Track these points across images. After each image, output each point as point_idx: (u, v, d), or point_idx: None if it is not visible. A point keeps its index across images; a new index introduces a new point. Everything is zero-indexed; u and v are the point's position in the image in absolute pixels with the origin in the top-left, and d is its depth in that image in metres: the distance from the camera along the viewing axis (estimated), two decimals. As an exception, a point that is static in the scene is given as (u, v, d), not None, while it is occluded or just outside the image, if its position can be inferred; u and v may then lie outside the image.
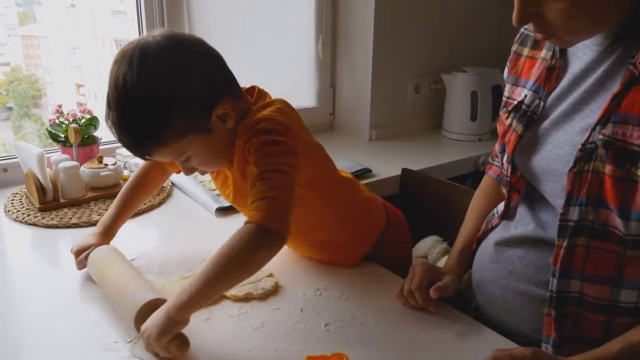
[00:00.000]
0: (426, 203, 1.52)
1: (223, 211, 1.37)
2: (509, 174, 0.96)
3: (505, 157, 0.96)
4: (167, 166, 1.18)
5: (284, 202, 0.90)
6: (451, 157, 1.88)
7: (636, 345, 0.78)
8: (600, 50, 0.84)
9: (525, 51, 0.98)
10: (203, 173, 1.07)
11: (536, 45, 0.96)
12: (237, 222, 1.31)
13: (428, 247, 1.39)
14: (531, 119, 0.92)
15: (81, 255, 1.08)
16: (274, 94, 1.99)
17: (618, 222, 0.79)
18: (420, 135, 2.07)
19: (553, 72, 0.90)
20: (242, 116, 1.01)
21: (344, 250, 1.15)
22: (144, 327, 0.85)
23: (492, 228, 1.04)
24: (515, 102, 0.95)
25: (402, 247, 1.29)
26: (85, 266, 1.07)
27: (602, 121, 0.79)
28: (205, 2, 1.73)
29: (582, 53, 0.86)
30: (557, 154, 0.86)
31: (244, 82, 1.90)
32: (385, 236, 1.20)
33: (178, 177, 1.55)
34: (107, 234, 1.14)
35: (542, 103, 0.91)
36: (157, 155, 0.97)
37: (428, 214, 1.48)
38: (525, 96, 0.93)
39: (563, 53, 0.90)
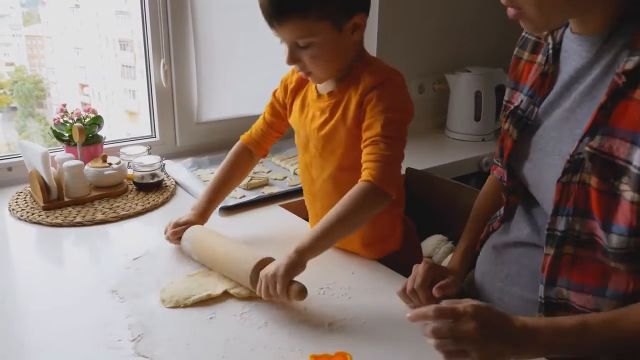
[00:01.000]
0: (430, 203, 1.51)
1: (227, 210, 1.37)
2: (505, 178, 0.97)
3: (501, 162, 0.97)
4: (255, 150, 1.32)
5: (397, 169, 1.06)
6: (455, 157, 1.87)
7: (590, 326, 0.76)
8: (589, 57, 0.83)
9: (525, 55, 0.98)
10: (305, 73, 1.09)
11: (535, 50, 0.96)
12: (240, 222, 1.33)
13: (433, 246, 1.39)
14: (526, 125, 0.92)
15: (177, 229, 1.16)
16: (278, 93, 1.99)
17: (602, 234, 0.78)
18: (424, 135, 2.07)
19: (546, 78, 0.90)
20: (360, 49, 1.11)
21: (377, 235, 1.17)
22: (266, 270, 0.95)
23: (493, 230, 1.04)
24: (512, 107, 0.96)
25: (414, 251, 1.29)
26: (177, 239, 1.16)
27: (590, 132, 0.78)
28: (209, 2, 1.73)
29: (572, 59, 0.86)
30: (547, 162, 0.87)
31: (248, 80, 1.91)
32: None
33: (182, 177, 1.55)
34: (203, 216, 1.21)
35: (536, 109, 0.91)
36: (287, 25, 1.02)
37: (432, 214, 1.48)
38: (522, 101, 0.94)
39: (556, 59, 0.90)
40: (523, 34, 0.99)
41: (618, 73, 0.76)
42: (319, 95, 1.15)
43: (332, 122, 1.11)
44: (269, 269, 0.95)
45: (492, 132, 2.05)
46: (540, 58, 0.93)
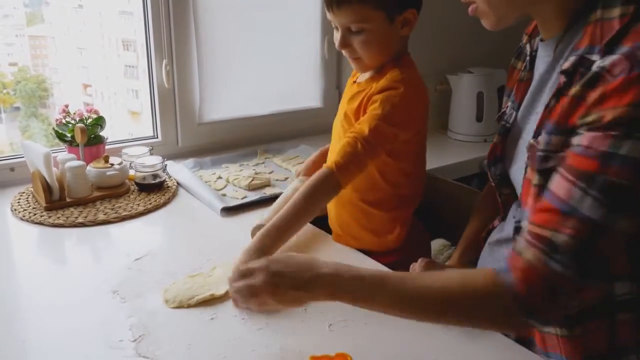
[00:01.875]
0: (432, 203, 1.51)
1: (228, 211, 1.37)
2: (490, 179, 1.00)
3: (486, 166, 1.01)
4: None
5: (359, 170, 1.10)
6: (457, 157, 1.87)
7: (388, 281, 0.80)
8: (550, 61, 0.85)
9: (518, 64, 1.00)
10: (353, 58, 1.16)
11: (521, 57, 0.99)
12: (241, 222, 1.33)
13: (435, 251, 1.39)
14: (507, 129, 0.95)
15: None
16: (280, 94, 2.02)
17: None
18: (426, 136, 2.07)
19: (522, 84, 0.93)
20: (403, 49, 1.18)
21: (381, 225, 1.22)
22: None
23: (493, 228, 1.06)
24: (500, 113, 0.99)
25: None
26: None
27: (537, 132, 0.80)
28: (211, 2, 1.73)
29: (540, 65, 0.88)
30: (517, 165, 0.90)
31: (250, 81, 1.92)
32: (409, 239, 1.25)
33: (184, 177, 1.55)
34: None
35: (515, 114, 0.93)
36: (345, 10, 1.08)
37: (434, 214, 1.48)
38: (507, 106, 0.97)
39: (532, 66, 0.92)
40: (520, 44, 1.00)
41: (559, 73, 0.78)
42: (353, 83, 1.24)
43: (351, 108, 1.19)
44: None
45: (494, 133, 2.05)
46: (520, 65, 0.96)
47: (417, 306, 0.79)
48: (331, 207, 1.29)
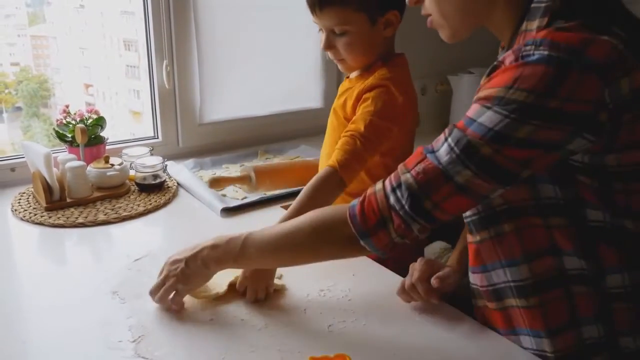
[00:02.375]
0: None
1: (228, 211, 1.37)
2: None
3: None
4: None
5: (361, 166, 1.14)
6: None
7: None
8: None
9: None
10: (338, 60, 1.20)
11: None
12: (242, 223, 1.33)
13: (436, 253, 1.39)
14: None
15: None
16: (280, 94, 2.02)
17: None
18: (427, 136, 2.05)
19: None
20: (389, 48, 1.21)
21: None
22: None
23: None
24: None
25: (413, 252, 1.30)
26: None
27: None
28: (211, 2, 1.73)
29: None
30: None
31: (251, 81, 1.92)
32: None
33: (184, 178, 1.55)
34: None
35: None
36: (327, 12, 1.12)
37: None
38: None
39: None
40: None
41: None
42: (346, 79, 1.29)
43: (339, 105, 1.24)
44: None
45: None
46: None
47: (277, 251, 0.93)
48: None
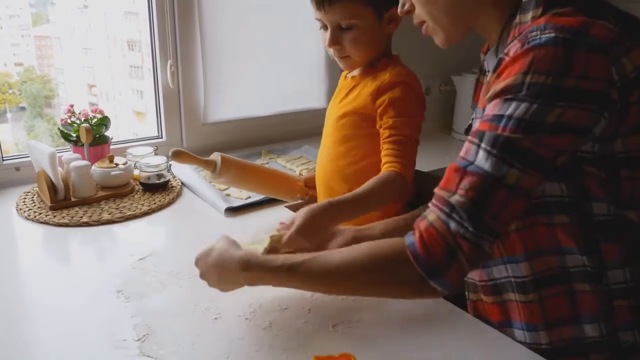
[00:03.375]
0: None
1: (232, 211, 1.37)
2: None
3: None
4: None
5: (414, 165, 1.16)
6: (461, 158, 1.87)
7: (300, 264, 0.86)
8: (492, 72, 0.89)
9: (480, 77, 1.03)
10: (341, 57, 1.18)
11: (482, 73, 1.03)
12: (245, 222, 1.33)
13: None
14: None
15: None
16: (284, 95, 2.02)
17: None
18: (431, 136, 2.06)
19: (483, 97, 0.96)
20: (389, 45, 1.21)
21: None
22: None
23: None
24: (467, 126, 1.01)
25: None
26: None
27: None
28: (216, 2, 1.73)
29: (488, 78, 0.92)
30: None
31: (255, 81, 1.92)
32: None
33: (188, 177, 1.56)
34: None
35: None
36: (337, 7, 1.11)
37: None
38: (473, 119, 0.99)
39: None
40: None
41: (488, 73, 0.86)
42: (345, 78, 1.27)
43: (347, 102, 1.22)
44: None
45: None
46: (483, 79, 1.00)
47: (328, 284, 0.87)
48: (321, 200, 1.29)
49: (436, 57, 2.09)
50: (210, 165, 1.27)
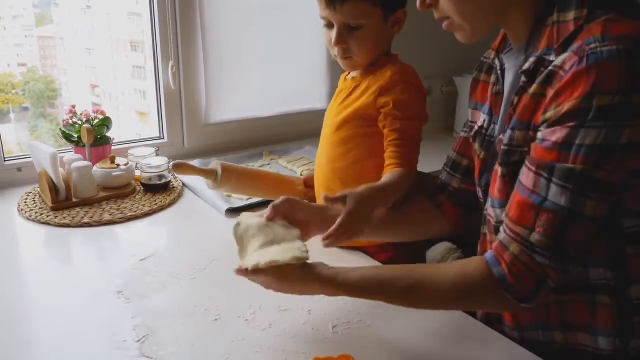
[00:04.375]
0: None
1: (233, 212, 1.37)
2: (481, 197, 1.00)
3: (477, 183, 1.01)
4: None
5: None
6: (463, 159, 1.87)
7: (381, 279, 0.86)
8: (516, 70, 0.87)
9: (482, 77, 1.02)
10: (345, 57, 1.17)
11: (489, 71, 1.00)
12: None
13: (441, 255, 1.38)
14: (490, 142, 0.95)
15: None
16: (286, 96, 2.02)
17: (491, 211, 0.90)
18: (432, 137, 2.05)
19: (498, 97, 0.94)
20: (388, 48, 1.20)
21: None
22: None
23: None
24: (477, 127, 0.99)
25: (415, 254, 1.29)
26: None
27: (505, 130, 0.85)
28: (218, 4, 1.74)
29: (508, 76, 0.90)
30: None
31: (256, 82, 1.92)
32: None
33: (189, 178, 1.56)
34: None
35: (496, 127, 0.94)
36: (347, 6, 1.10)
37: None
38: (485, 121, 0.97)
39: (503, 79, 0.93)
40: (481, 59, 1.05)
41: (519, 73, 0.82)
42: (345, 80, 1.26)
43: (348, 104, 1.20)
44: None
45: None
46: (493, 78, 0.97)
47: (418, 304, 0.88)
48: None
49: (437, 58, 2.09)
50: (212, 175, 1.27)
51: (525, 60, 0.83)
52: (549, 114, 0.74)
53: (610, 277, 0.81)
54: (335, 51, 1.18)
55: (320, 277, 0.86)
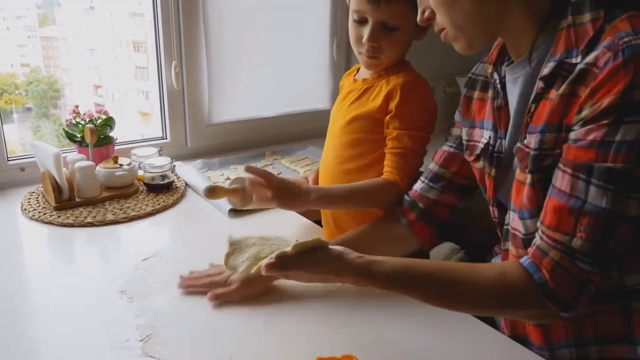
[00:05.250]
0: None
1: (235, 212, 1.37)
2: (496, 215, 0.97)
3: (489, 201, 0.98)
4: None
5: (413, 176, 1.17)
6: (466, 160, 1.87)
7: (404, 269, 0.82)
8: (525, 79, 0.85)
9: (475, 94, 1.01)
10: (372, 55, 1.15)
11: (484, 88, 0.99)
12: (249, 224, 1.33)
13: (444, 255, 1.38)
14: (499, 159, 0.93)
15: None
16: (289, 96, 2.02)
17: (518, 224, 0.84)
18: (435, 138, 2.05)
19: (501, 111, 0.92)
20: (405, 54, 1.20)
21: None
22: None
23: (496, 254, 1.06)
24: (482, 145, 0.96)
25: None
26: None
27: (522, 138, 0.83)
28: (220, 4, 1.74)
29: (515, 88, 0.88)
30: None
31: (259, 82, 1.92)
32: None
33: (192, 178, 1.56)
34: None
35: (503, 141, 0.92)
36: (393, 5, 1.09)
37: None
38: (490, 137, 0.95)
39: (504, 92, 0.91)
40: (469, 75, 1.04)
41: (538, 79, 0.80)
42: (355, 81, 1.25)
43: (359, 105, 1.20)
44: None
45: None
46: (491, 92, 0.95)
47: (454, 304, 0.84)
48: None
49: (441, 58, 2.08)
50: (241, 192, 1.21)
51: (537, 68, 0.81)
52: (585, 112, 0.71)
53: None
54: (363, 48, 1.15)
55: (353, 265, 0.81)
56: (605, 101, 0.68)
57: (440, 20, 0.86)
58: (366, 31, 1.12)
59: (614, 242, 0.72)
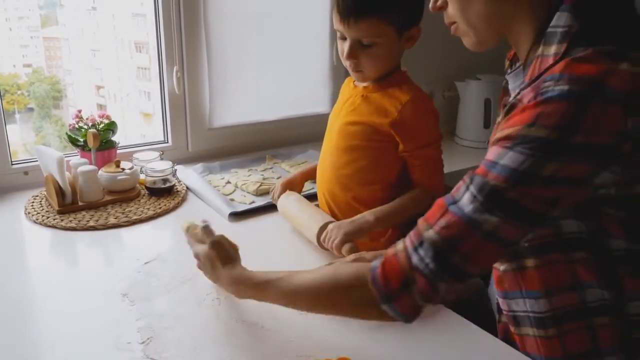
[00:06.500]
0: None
1: (236, 216, 1.39)
2: None
3: None
4: None
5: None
6: (464, 164, 1.88)
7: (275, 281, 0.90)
8: (518, 90, 0.85)
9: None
10: (356, 70, 1.19)
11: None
12: (249, 227, 1.35)
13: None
14: None
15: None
16: (289, 100, 2.04)
17: None
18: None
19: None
20: (398, 61, 1.22)
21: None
22: (335, 223, 1.17)
23: None
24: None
25: None
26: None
27: None
28: (221, 7, 1.75)
29: (513, 94, 0.89)
30: None
31: (260, 86, 1.94)
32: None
33: (193, 182, 1.58)
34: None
35: None
36: (362, 24, 1.11)
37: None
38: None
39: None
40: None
41: (505, 103, 0.84)
42: (355, 87, 1.27)
43: (357, 112, 1.22)
44: (340, 223, 1.16)
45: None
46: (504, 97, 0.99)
47: (295, 301, 0.90)
48: (324, 209, 1.31)
49: (440, 62, 2.11)
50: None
51: (511, 107, 0.82)
52: (495, 137, 0.76)
53: (607, 297, 0.80)
54: (346, 64, 1.19)
55: (250, 283, 0.93)
56: (509, 130, 0.73)
57: (452, 12, 0.86)
58: (346, 47, 1.16)
59: (461, 248, 0.74)
